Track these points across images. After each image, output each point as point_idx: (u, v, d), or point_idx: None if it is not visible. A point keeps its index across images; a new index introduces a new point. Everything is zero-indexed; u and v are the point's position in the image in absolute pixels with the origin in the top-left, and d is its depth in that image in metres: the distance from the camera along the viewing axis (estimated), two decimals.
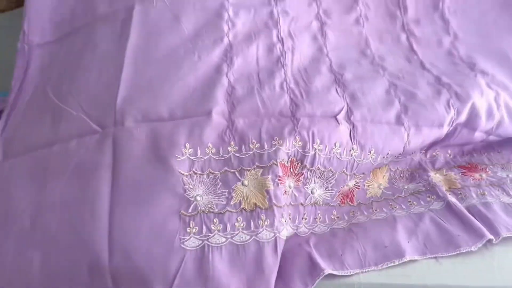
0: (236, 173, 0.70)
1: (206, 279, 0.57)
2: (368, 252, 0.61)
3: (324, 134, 0.72)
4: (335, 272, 0.57)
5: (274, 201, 0.65)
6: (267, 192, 0.66)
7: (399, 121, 0.74)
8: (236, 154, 0.72)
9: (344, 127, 0.73)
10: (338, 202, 0.70)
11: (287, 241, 0.61)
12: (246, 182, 0.69)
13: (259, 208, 0.66)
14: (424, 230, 0.64)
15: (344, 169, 0.71)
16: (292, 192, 0.68)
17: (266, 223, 0.64)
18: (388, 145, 0.73)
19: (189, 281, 0.57)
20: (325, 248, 0.62)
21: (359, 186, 0.73)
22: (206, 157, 0.72)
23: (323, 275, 0.56)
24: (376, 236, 0.63)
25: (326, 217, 0.68)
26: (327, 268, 0.57)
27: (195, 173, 0.70)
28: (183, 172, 0.68)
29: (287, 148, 0.71)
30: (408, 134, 0.73)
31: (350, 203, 0.71)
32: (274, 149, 0.71)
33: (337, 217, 0.68)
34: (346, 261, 0.59)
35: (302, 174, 0.70)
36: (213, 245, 0.61)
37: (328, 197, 0.70)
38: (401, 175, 0.77)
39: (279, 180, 0.68)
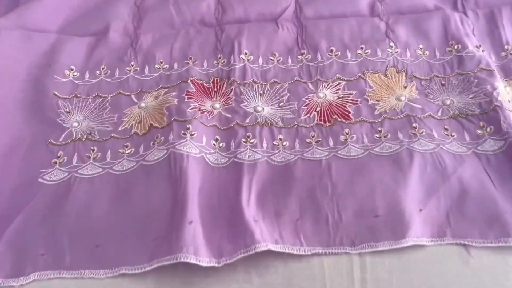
0: (133, 96, 0.66)
1: (59, 215, 0.53)
2: (340, 226, 0.51)
3: (258, 44, 0.70)
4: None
5: (175, 116, 0.61)
6: (168, 108, 0.63)
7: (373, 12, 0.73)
8: (135, 76, 0.68)
9: (286, 32, 0.71)
10: (315, 120, 0.62)
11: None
12: (143, 104, 0.65)
13: (155, 128, 0.62)
14: (451, 192, 0.55)
15: (297, 77, 0.66)
16: (221, 113, 0.63)
17: (159, 140, 0.60)
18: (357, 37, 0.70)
19: (39, 217, 0.53)
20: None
21: (355, 100, 0.65)
22: (96, 80, 0.68)
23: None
24: (363, 194, 0.54)
25: (294, 141, 0.60)
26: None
27: (77, 97, 0.66)
28: (60, 95, 0.65)
29: (205, 69, 0.68)
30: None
31: (343, 120, 0.61)
32: (186, 67, 0.69)
33: (316, 141, 0.60)
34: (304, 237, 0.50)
35: (232, 91, 0.66)
36: (82, 176, 0.58)
37: (289, 114, 0.63)
38: (444, 80, 0.66)
39: (187, 95, 0.64)
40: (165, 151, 0.58)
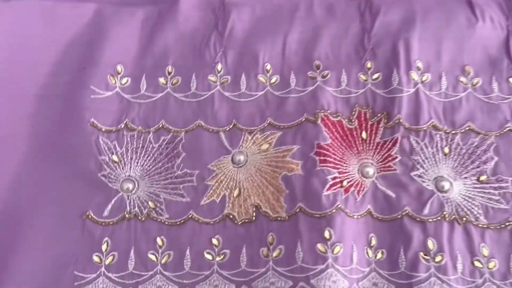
0: (223, 135, 0.38)
1: None
2: None
3: (439, 48, 0.41)
4: None
5: (301, 204, 0.35)
6: (286, 179, 0.36)
7: None
8: (224, 93, 0.39)
9: (490, 27, 0.42)
10: None
11: None
12: (241, 158, 0.37)
13: (266, 217, 0.35)
14: None
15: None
16: (376, 185, 0.37)
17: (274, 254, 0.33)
18: None
19: None
20: None
21: None
22: (158, 95, 0.39)
23: None
24: None
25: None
26: None
27: (129, 128, 0.38)
28: (100, 125, 0.39)
29: (343, 88, 0.39)
30: None
31: None
32: (312, 84, 0.39)
33: None
34: None
35: (397, 142, 0.37)
36: None
37: (497, 199, 0.36)
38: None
39: (318, 155, 0.37)
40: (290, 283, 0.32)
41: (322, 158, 0.37)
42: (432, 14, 0.41)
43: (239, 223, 0.36)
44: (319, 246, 0.34)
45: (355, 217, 0.36)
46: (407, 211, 0.36)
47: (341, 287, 0.33)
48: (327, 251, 0.34)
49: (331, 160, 0.37)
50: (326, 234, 0.34)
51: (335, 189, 0.36)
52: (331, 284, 0.33)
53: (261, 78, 0.40)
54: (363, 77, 0.40)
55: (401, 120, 0.38)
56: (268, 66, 0.40)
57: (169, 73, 0.41)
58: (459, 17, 0.41)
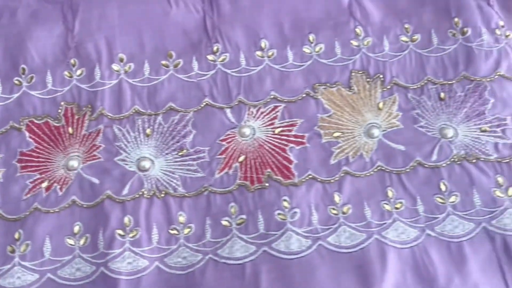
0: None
1: None
2: None
3: (141, 38, 0.45)
4: None
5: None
6: None
7: None
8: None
9: (184, 12, 0.47)
10: (236, 179, 0.39)
11: None
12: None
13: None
14: None
15: (208, 98, 0.42)
16: (81, 175, 0.39)
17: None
18: None
19: None
20: None
21: (299, 137, 0.41)
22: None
23: None
24: None
25: (204, 224, 0.38)
26: None
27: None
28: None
29: (50, 89, 0.43)
30: None
31: (280, 178, 0.39)
32: (16, 91, 0.43)
33: (239, 223, 0.38)
34: None
35: (100, 132, 0.41)
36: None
37: (195, 170, 0.39)
38: (445, 90, 0.41)
39: (20, 162, 0.39)
40: None
41: (23, 164, 0.39)
42: (128, 8, 0.44)
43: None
44: (9, 248, 0.36)
45: (54, 211, 0.38)
46: (107, 194, 0.38)
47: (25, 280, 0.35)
48: (15, 250, 0.36)
49: (33, 164, 0.39)
50: (16, 235, 0.37)
51: (34, 191, 0.38)
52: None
53: None
54: (67, 74, 0.42)
55: (103, 112, 0.41)
56: None
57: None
58: (155, 7, 0.44)
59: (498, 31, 0.43)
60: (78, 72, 0.42)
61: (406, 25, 0.44)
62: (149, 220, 0.37)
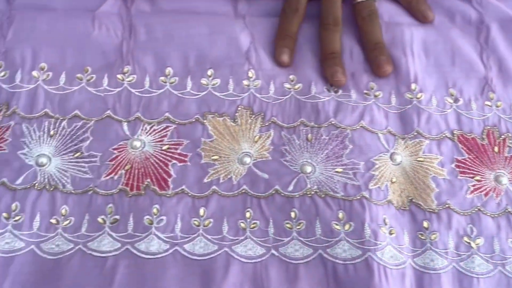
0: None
1: None
2: None
3: (64, 53, 0.50)
4: None
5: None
6: None
7: None
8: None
9: (105, 35, 0.52)
10: (119, 184, 0.45)
11: None
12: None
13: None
14: None
15: (111, 111, 0.48)
16: None
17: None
18: None
19: None
20: None
21: (183, 156, 0.46)
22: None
23: None
24: None
25: (83, 219, 0.43)
26: None
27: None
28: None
29: None
30: None
31: (156, 189, 0.44)
32: None
33: (112, 222, 0.43)
34: None
35: (9, 129, 0.45)
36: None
37: (85, 171, 0.44)
38: (313, 133, 0.48)
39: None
40: None
41: None
42: (56, 25, 0.51)
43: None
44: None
45: None
46: (2, 181, 0.44)
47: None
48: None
49: None
50: None
51: None
52: None
53: None
54: None
55: (17, 110, 0.47)
56: None
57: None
58: (79, 27, 0.51)
59: (366, 91, 0.50)
60: (2, 73, 0.48)
61: (291, 76, 0.51)
62: (35, 208, 0.43)
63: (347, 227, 0.43)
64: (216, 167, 0.46)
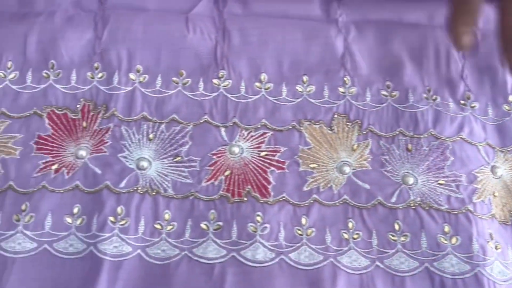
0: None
1: None
2: None
3: (159, 55, 0.50)
4: None
5: (12, 182, 0.43)
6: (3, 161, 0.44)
7: None
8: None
9: (199, 38, 0.51)
10: (220, 190, 0.44)
11: None
12: None
13: None
14: None
15: (208, 116, 0.47)
16: (87, 164, 0.44)
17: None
18: None
19: None
20: None
21: (281, 162, 0.46)
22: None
23: None
24: None
25: (186, 224, 0.43)
26: None
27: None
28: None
29: (72, 85, 0.47)
30: None
31: (258, 195, 0.44)
32: (43, 83, 0.47)
33: (216, 228, 0.43)
34: None
35: (110, 130, 0.46)
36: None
37: (185, 176, 0.45)
38: (412, 143, 0.46)
39: (37, 144, 0.45)
40: None
41: (39, 146, 0.45)
42: (152, 27, 0.50)
43: None
44: (15, 219, 0.42)
45: (61, 191, 0.43)
46: (106, 184, 0.44)
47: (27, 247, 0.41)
48: (20, 221, 0.42)
49: (47, 148, 0.45)
50: (24, 208, 0.42)
51: (44, 171, 0.44)
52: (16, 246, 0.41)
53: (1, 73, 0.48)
54: (90, 75, 0.48)
55: (115, 113, 0.47)
56: (10, 64, 0.48)
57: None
58: (174, 30, 0.50)
59: (462, 101, 0.49)
60: (100, 75, 0.48)
61: (388, 82, 0.50)
62: (139, 212, 0.43)
63: (453, 240, 0.43)
64: (315, 175, 0.45)
